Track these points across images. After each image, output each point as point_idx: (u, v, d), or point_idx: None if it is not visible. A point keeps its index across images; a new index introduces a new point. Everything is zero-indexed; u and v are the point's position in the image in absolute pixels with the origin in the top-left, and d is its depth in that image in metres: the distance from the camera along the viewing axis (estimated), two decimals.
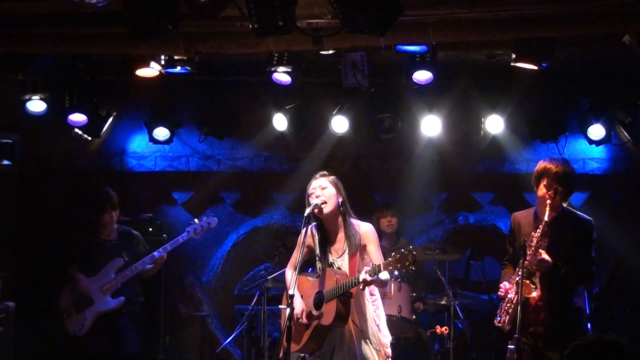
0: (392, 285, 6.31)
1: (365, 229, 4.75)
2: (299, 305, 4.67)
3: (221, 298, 7.96)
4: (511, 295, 4.73)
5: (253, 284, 7.11)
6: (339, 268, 4.71)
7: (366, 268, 4.47)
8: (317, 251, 4.72)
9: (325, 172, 4.87)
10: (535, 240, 4.66)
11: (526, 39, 5.68)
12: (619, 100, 7.10)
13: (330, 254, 4.76)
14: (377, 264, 4.51)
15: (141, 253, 6.32)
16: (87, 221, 6.47)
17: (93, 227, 6.39)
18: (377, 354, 4.63)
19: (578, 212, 4.92)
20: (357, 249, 4.68)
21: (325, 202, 4.68)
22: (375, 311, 4.76)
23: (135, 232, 6.52)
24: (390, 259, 4.42)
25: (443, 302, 6.74)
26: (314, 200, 4.68)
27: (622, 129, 7.26)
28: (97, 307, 6.17)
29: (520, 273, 4.57)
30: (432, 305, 6.96)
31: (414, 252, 4.38)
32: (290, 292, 4.35)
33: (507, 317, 4.70)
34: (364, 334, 4.62)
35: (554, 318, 4.69)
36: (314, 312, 4.63)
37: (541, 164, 4.85)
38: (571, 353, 3.03)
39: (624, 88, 7.12)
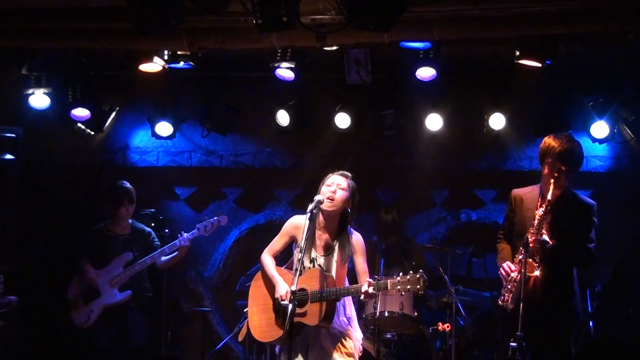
0: None
1: (355, 240, 4.77)
2: (283, 287, 4.62)
3: (223, 294, 7.95)
4: (514, 274, 4.70)
5: None
6: (319, 266, 4.72)
7: (370, 281, 4.49)
8: (301, 242, 4.55)
9: (350, 175, 4.83)
10: (538, 218, 4.65)
11: (530, 36, 5.68)
12: (622, 98, 7.08)
13: (314, 249, 4.76)
14: (364, 275, 4.63)
15: (153, 249, 6.36)
16: (102, 214, 6.51)
17: (108, 220, 6.45)
18: (354, 348, 4.69)
19: (581, 195, 4.91)
20: (348, 260, 4.72)
21: (332, 200, 4.68)
22: (350, 313, 4.80)
23: (148, 230, 6.58)
24: (399, 278, 4.44)
25: (445, 299, 6.74)
26: (318, 196, 4.67)
27: (626, 127, 7.23)
28: (104, 299, 6.21)
29: (521, 258, 4.56)
30: (434, 302, 6.97)
31: (425, 278, 4.41)
32: (293, 288, 4.31)
33: (510, 295, 4.68)
34: (339, 330, 4.67)
35: (549, 295, 4.67)
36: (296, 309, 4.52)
37: (545, 141, 4.80)
38: (580, 355, 3.04)
39: (627, 86, 7.10)
